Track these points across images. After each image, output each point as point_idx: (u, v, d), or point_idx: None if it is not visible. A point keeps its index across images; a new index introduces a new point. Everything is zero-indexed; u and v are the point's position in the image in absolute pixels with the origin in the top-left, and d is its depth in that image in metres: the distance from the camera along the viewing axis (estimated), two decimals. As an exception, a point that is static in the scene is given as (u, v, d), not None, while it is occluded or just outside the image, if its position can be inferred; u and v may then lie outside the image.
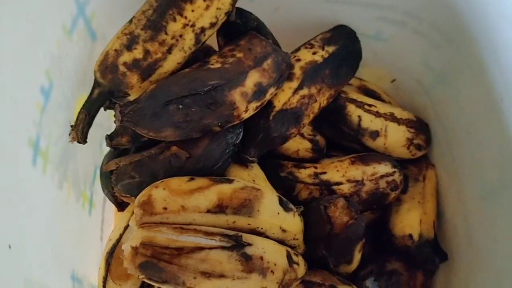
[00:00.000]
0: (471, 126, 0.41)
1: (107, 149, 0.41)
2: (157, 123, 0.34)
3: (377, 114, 0.44)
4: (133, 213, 0.35)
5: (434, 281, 0.45)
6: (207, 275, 0.31)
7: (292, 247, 0.37)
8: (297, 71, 0.40)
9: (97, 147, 0.42)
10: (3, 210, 0.25)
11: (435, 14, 0.41)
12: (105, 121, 0.40)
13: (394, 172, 0.42)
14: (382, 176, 0.42)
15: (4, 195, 0.26)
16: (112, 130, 0.43)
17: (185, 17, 0.34)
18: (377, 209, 0.45)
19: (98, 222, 0.42)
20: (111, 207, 0.43)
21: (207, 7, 0.35)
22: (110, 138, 0.39)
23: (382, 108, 0.45)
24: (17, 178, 0.27)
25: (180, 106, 0.34)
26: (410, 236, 0.42)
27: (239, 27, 0.39)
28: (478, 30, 0.38)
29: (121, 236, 0.38)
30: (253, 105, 0.36)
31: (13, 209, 0.26)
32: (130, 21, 0.35)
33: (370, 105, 0.44)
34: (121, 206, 0.42)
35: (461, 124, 0.43)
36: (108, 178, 0.40)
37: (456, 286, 0.41)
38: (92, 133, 0.36)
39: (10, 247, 0.24)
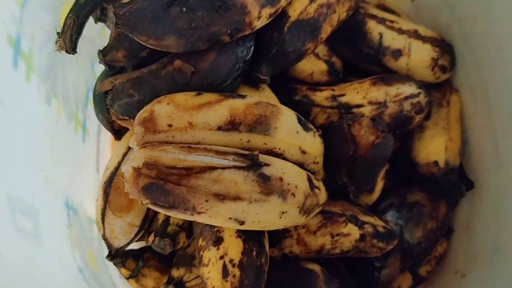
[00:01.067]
0: (503, 40, 0.37)
1: (100, 70, 0.37)
2: (158, 29, 0.29)
3: (400, 31, 0.40)
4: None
5: (456, 212, 0.42)
6: (221, 197, 0.27)
7: (312, 172, 0.33)
8: (315, -24, 0.35)
9: (89, 66, 0.37)
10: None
11: None
12: (97, 37, 0.35)
13: (419, 93, 0.38)
14: (406, 98, 0.38)
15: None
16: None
17: None
18: (398, 136, 0.41)
19: (94, 152, 0.38)
20: (107, 136, 0.39)
21: None
22: (103, 53, 0.34)
23: (405, 24, 0.40)
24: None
25: (184, 9, 0.29)
26: (436, 162, 0.39)
27: None
28: None
29: (119, 163, 0.34)
30: (267, 11, 0.32)
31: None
32: None
33: (392, 21, 0.40)
34: (118, 133, 0.37)
35: (490, 41, 0.38)
36: (103, 101, 0.35)
37: (483, 214, 0.38)
38: (83, 50, 0.31)
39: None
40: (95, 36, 0.33)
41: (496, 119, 0.38)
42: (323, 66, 0.40)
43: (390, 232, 0.37)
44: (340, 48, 0.41)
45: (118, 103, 0.33)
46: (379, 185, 0.37)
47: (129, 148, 0.35)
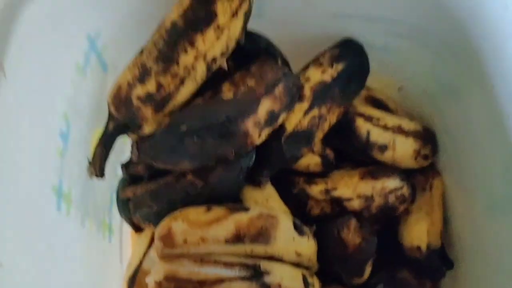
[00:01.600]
0: (478, 138, 0.42)
1: (121, 172, 0.42)
2: (174, 156, 0.35)
3: (385, 128, 0.45)
4: (152, 240, 0.37)
5: (441, 285, 0.47)
6: (230, 305, 0.32)
7: (306, 268, 0.38)
8: (307, 92, 0.41)
9: (112, 172, 0.43)
10: (31, 262, 0.26)
11: (442, 29, 0.41)
12: (118, 145, 0.40)
13: (403, 186, 0.43)
14: (391, 191, 0.43)
15: (32, 246, 0.26)
16: (124, 152, 0.43)
17: (197, 48, 0.34)
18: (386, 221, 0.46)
19: (117, 245, 0.43)
20: (127, 227, 0.44)
21: (218, 37, 0.35)
22: (126, 167, 0.39)
23: (390, 121, 0.45)
24: (43, 226, 0.28)
25: (195, 139, 0.34)
26: (419, 248, 0.43)
27: (248, 50, 0.39)
28: (485, 47, 0.38)
29: (141, 262, 0.39)
30: (266, 131, 0.37)
31: (40, 258, 0.27)
32: (141, 52, 0.35)
33: (378, 119, 0.45)
34: (138, 228, 0.43)
35: (468, 135, 0.43)
36: (125, 204, 0.40)
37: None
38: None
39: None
40: (115, 145, 0.38)
41: (473, 208, 0.43)
42: (318, 160, 0.45)
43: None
44: (333, 141, 0.46)
45: (139, 212, 0.38)
46: (368, 270, 0.41)
47: (149, 246, 0.40)
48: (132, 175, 0.40)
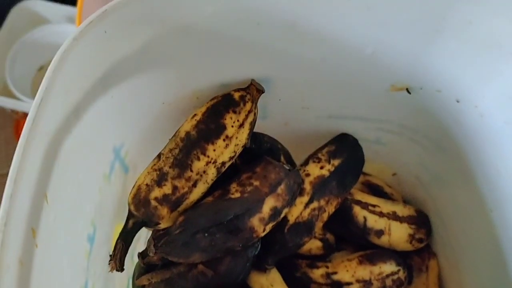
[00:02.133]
0: (466, 226, 0.45)
1: (137, 259, 0.46)
2: (187, 251, 0.39)
3: (381, 214, 0.49)
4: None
5: None
6: None
7: None
8: (307, 186, 0.45)
9: (129, 259, 0.46)
10: None
11: (427, 128, 0.45)
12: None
13: (399, 270, 0.46)
14: (387, 275, 0.46)
15: None
16: (141, 240, 0.47)
17: (208, 156, 0.39)
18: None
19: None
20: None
21: (227, 146, 0.40)
22: (142, 256, 0.43)
23: (385, 207, 0.49)
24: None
25: (206, 235, 0.39)
26: (417, 330, 0.46)
27: (254, 151, 0.44)
28: (467, 147, 0.42)
29: None
30: (270, 225, 0.41)
31: None
32: (159, 157, 0.40)
33: (374, 206, 0.49)
34: (153, 313, 0.46)
35: (457, 223, 0.47)
36: (141, 290, 0.44)
37: None
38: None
39: None
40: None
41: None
42: (319, 244, 0.49)
43: None
44: (333, 227, 0.50)
45: (155, 300, 0.42)
46: None
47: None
48: (147, 264, 0.44)
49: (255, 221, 0.39)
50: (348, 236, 0.50)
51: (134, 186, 0.40)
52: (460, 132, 0.43)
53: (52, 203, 0.28)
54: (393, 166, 0.54)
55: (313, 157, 0.48)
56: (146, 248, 0.44)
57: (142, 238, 0.48)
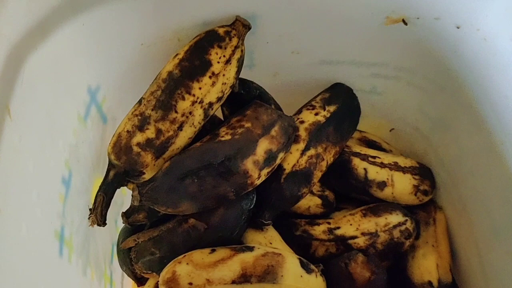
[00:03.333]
0: (474, 167, 0.42)
1: (122, 224, 0.42)
2: (174, 197, 0.35)
3: (382, 165, 0.45)
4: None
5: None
6: None
7: (317, 308, 0.37)
8: (302, 133, 0.42)
9: (113, 224, 0.42)
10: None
11: (425, 67, 0.43)
12: (118, 197, 0.41)
13: (406, 220, 0.43)
14: (395, 226, 0.43)
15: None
16: (125, 205, 0.43)
17: (193, 95, 0.36)
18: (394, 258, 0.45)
19: (119, 299, 0.42)
20: (129, 282, 0.43)
21: (213, 84, 0.37)
22: (126, 215, 0.39)
23: (385, 158, 0.46)
24: (46, 272, 0.28)
25: (195, 179, 0.35)
26: (430, 283, 0.42)
27: (243, 97, 0.41)
28: (470, 79, 0.40)
29: (144, 313, 0.38)
30: (265, 171, 0.37)
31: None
32: (140, 102, 0.37)
33: (374, 157, 0.46)
34: (140, 280, 0.42)
35: (463, 166, 0.44)
36: (126, 255, 0.40)
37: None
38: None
39: None
40: (116, 196, 0.38)
41: (478, 236, 0.42)
42: (318, 201, 0.45)
43: None
44: (332, 182, 0.46)
45: (142, 260, 0.37)
46: (379, 308, 0.40)
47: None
48: (133, 224, 0.40)
49: (248, 164, 0.36)
50: (349, 192, 0.46)
51: (114, 135, 0.36)
52: (461, 64, 0.40)
53: (16, 120, 0.25)
54: (391, 120, 0.51)
55: (306, 105, 0.45)
56: (130, 206, 0.40)
57: (126, 204, 0.44)
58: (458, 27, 0.38)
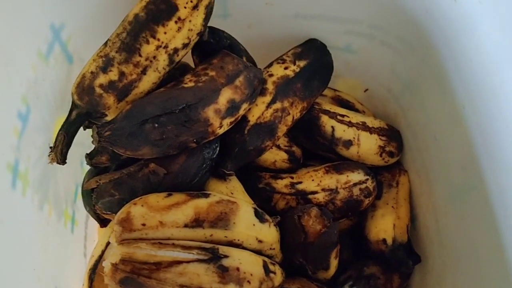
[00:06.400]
0: (437, 132, 0.43)
1: (88, 167, 0.42)
2: (134, 142, 0.35)
3: (350, 124, 0.46)
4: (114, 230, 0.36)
5: (410, 282, 0.47)
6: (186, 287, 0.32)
7: (270, 257, 0.38)
8: (270, 86, 0.42)
9: (78, 165, 0.43)
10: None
11: (399, 26, 0.42)
12: (86, 139, 0.41)
13: (367, 179, 0.44)
14: (355, 184, 0.43)
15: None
16: (92, 147, 0.44)
17: (158, 39, 0.36)
18: (353, 216, 0.46)
19: (81, 238, 0.43)
20: (94, 223, 0.44)
21: (179, 29, 0.36)
22: (90, 156, 0.40)
23: (354, 118, 0.46)
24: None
25: (156, 125, 0.35)
26: (384, 240, 0.44)
27: (212, 46, 0.41)
28: (439, 40, 0.40)
29: (103, 252, 0.39)
30: (227, 121, 0.38)
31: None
32: (105, 44, 0.37)
33: (342, 116, 0.46)
34: (103, 222, 0.43)
35: (428, 131, 0.44)
36: (90, 196, 0.41)
37: (431, 285, 0.43)
38: (73, 151, 0.37)
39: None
40: (84, 138, 0.39)
41: (436, 201, 0.43)
42: (284, 155, 0.46)
43: (344, 305, 0.41)
44: (299, 139, 0.47)
45: (101, 201, 0.38)
46: (334, 262, 0.41)
47: (112, 238, 0.40)
48: (96, 166, 0.40)
49: (209, 112, 0.36)
50: (316, 149, 0.47)
51: (78, 75, 0.36)
52: (431, 24, 0.40)
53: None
54: (365, 80, 0.51)
55: (278, 59, 0.44)
56: (94, 148, 0.41)
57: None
58: (431, -13, 0.38)
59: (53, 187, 0.37)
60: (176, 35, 0.36)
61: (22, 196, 0.31)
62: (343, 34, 0.46)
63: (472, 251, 0.37)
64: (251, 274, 0.34)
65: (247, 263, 0.34)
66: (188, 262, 0.33)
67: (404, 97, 0.47)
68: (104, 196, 0.38)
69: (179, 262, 0.32)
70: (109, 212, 0.38)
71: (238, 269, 0.34)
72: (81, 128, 0.38)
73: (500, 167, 0.34)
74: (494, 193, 0.34)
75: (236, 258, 0.34)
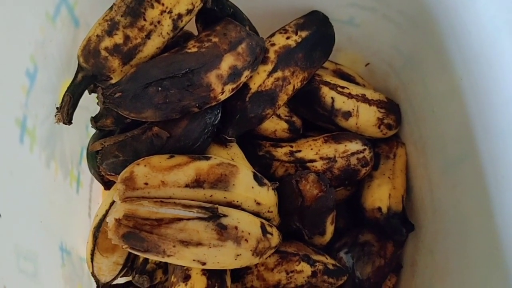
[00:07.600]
0: (435, 105, 0.44)
1: (93, 131, 0.44)
2: (138, 105, 0.36)
3: (349, 96, 0.47)
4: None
5: (404, 250, 0.48)
6: (185, 243, 0.33)
7: (267, 220, 0.40)
8: (272, 55, 0.43)
9: (83, 129, 0.44)
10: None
11: (401, 0, 0.43)
12: (91, 103, 0.42)
13: (365, 149, 0.45)
14: (353, 153, 0.44)
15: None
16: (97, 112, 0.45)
17: (162, 4, 0.37)
18: (350, 185, 0.47)
19: (86, 200, 0.44)
20: (98, 186, 0.46)
21: (183, -6, 0.37)
22: (95, 119, 0.41)
23: (354, 89, 0.47)
24: (5, 153, 0.29)
25: (159, 88, 0.36)
26: (379, 209, 0.45)
27: (216, 14, 0.41)
28: (439, 14, 0.40)
29: (107, 211, 0.40)
30: (229, 87, 0.39)
31: (2, 181, 0.28)
32: (111, 8, 0.37)
33: (342, 87, 0.47)
34: (107, 184, 0.44)
35: (426, 104, 0.45)
36: (94, 158, 0.42)
37: (423, 252, 0.44)
38: (79, 115, 0.38)
39: (0, 215, 0.26)
40: (89, 103, 0.40)
41: (432, 172, 0.45)
42: (284, 125, 0.47)
43: (339, 269, 0.43)
44: (300, 109, 0.48)
45: (106, 162, 0.39)
46: (329, 228, 0.43)
47: (115, 199, 0.41)
48: (101, 129, 0.41)
49: (212, 77, 0.37)
50: (316, 120, 0.48)
51: (84, 38, 0.37)
52: (434, 1, 0.40)
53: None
54: (366, 55, 0.52)
55: (280, 29, 0.45)
56: (99, 111, 0.42)
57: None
58: (433, -42, 0.38)
59: (59, 147, 0.38)
60: (180, 1, 0.37)
61: (29, 152, 0.32)
62: (346, 7, 0.46)
63: (463, 217, 0.38)
64: (249, 233, 0.36)
65: (245, 223, 0.36)
66: (188, 219, 0.34)
67: (405, 71, 0.48)
68: (109, 157, 0.39)
69: (179, 219, 0.34)
70: (113, 173, 0.40)
71: (236, 227, 0.35)
72: (87, 92, 0.39)
73: (492, 136, 0.35)
74: (485, 161, 0.35)
75: (235, 218, 0.35)
